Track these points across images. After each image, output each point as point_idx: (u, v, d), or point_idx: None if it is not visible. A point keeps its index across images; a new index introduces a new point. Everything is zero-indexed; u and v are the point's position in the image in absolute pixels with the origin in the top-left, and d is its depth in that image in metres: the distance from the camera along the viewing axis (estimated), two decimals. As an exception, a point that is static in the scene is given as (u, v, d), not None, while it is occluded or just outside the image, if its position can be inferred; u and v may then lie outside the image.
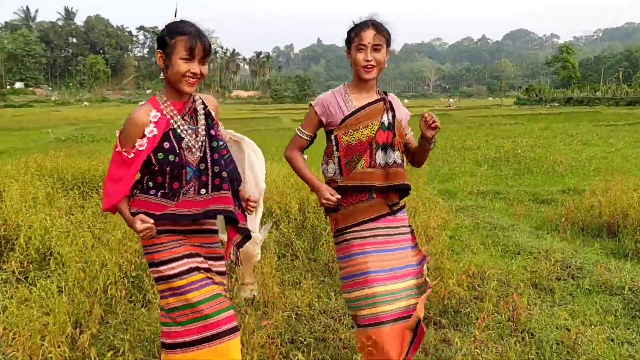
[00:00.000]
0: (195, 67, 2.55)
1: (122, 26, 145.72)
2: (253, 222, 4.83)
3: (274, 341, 3.52)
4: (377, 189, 2.95)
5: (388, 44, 3.00)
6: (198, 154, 2.62)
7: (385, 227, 3.00)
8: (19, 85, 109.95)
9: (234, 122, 38.60)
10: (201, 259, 2.69)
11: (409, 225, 3.14)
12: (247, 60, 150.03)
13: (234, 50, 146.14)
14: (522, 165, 13.02)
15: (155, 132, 2.54)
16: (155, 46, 2.66)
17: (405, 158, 3.08)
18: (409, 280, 2.99)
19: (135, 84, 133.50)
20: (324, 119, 3.03)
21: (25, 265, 4.89)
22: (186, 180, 2.60)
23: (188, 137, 2.60)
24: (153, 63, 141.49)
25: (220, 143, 2.68)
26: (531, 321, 3.98)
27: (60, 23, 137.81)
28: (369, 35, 2.91)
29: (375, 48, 2.92)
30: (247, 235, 2.83)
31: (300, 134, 3.09)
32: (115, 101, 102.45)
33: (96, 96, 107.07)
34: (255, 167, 5.21)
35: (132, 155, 2.52)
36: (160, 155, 2.55)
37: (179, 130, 2.59)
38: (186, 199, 2.60)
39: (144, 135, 2.53)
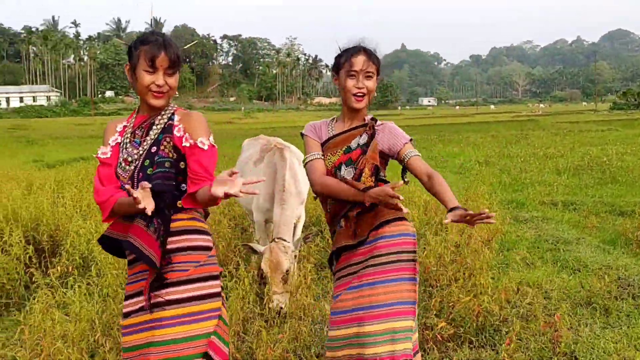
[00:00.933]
0: (159, 79, 2.41)
1: (207, 35, 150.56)
2: (289, 230, 4.80)
3: (288, 355, 3.45)
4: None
5: (378, 72, 2.86)
6: (129, 168, 2.46)
7: (371, 257, 2.71)
8: (109, 93, 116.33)
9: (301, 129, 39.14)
10: (135, 299, 2.44)
11: (410, 252, 2.76)
12: (330, 67, 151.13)
13: (316, 56, 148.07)
14: (607, 174, 12.30)
15: (115, 143, 2.53)
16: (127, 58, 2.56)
17: (365, 179, 2.75)
18: (390, 322, 2.61)
19: (219, 91, 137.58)
20: (317, 139, 2.91)
21: (70, 270, 5.07)
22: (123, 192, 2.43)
23: (126, 151, 2.49)
24: (237, 71, 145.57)
25: (156, 159, 2.42)
26: (577, 344, 3.72)
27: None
28: (360, 61, 2.77)
29: (367, 75, 2.78)
30: (155, 269, 2.35)
31: (312, 158, 2.85)
32: (200, 109, 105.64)
33: (182, 104, 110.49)
34: (298, 176, 5.19)
35: (105, 154, 2.52)
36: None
37: (122, 144, 2.51)
38: (121, 221, 2.48)
39: (109, 144, 2.53)
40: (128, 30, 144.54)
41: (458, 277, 4.58)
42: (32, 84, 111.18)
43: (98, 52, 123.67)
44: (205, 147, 2.39)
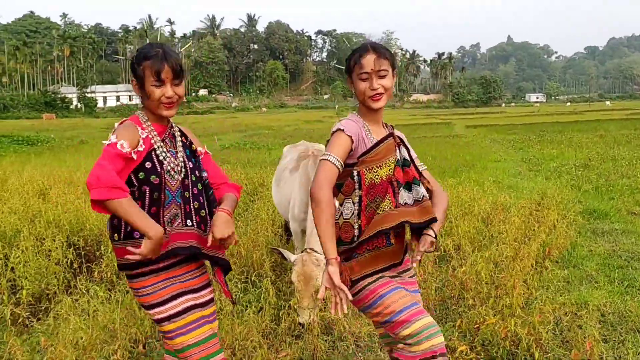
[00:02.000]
0: (168, 90, 2.58)
1: (301, 31, 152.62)
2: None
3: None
4: (412, 226, 2.79)
5: (393, 67, 2.81)
6: (177, 177, 2.65)
7: (394, 276, 2.87)
8: (202, 92, 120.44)
9: (402, 129, 38.85)
10: (195, 294, 2.76)
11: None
12: (428, 62, 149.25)
13: (414, 51, 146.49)
14: None
15: (142, 149, 2.57)
16: (132, 75, 2.71)
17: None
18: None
19: (313, 89, 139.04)
20: (354, 146, 2.73)
21: (109, 276, 5.30)
22: (164, 205, 2.60)
23: (169, 159, 2.64)
24: (331, 68, 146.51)
25: (202, 175, 2.79)
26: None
27: (242, 30, 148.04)
28: (370, 61, 2.72)
29: (381, 74, 2.73)
30: (228, 267, 2.89)
31: (332, 160, 2.65)
32: (293, 107, 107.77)
33: (275, 102, 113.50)
34: None
35: (130, 153, 2.51)
36: (142, 175, 2.56)
37: (159, 152, 2.63)
38: (176, 231, 2.62)
39: (137, 146, 2.56)
40: (222, 27, 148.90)
41: (490, 295, 4.42)
42: (129, 83, 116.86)
43: (192, 50, 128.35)
44: (210, 153, 2.95)
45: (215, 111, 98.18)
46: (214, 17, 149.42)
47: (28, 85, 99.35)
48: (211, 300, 2.85)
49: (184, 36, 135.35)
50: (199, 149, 2.85)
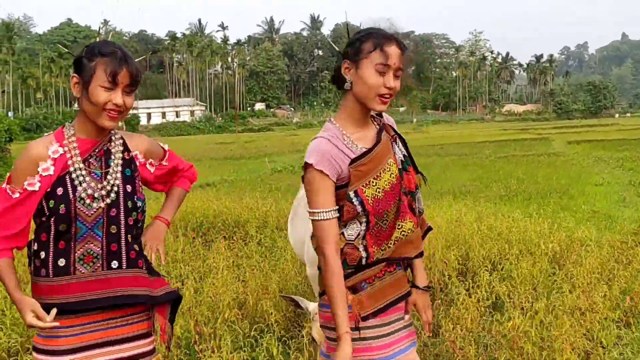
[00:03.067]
0: (118, 97, 2.48)
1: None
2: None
3: None
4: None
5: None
6: (97, 205, 2.50)
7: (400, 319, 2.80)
8: (259, 106, 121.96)
9: (489, 145, 38.33)
10: (113, 347, 2.58)
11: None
12: (524, 67, 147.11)
13: (507, 54, 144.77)
14: None
15: (51, 172, 2.48)
16: (72, 70, 2.62)
17: None
18: None
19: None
20: (334, 178, 2.59)
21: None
22: (75, 239, 2.48)
23: (85, 184, 2.51)
24: (408, 75, 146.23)
25: (139, 204, 2.62)
26: None
27: (305, 34, 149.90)
28: (396, 55, 2.57)
29: (397, 74, 2.59)
30: (177, 299, 2.79)
31: (327, 217, 2.56)
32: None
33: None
34: None
35: (17, 194, 2.46)
36: (52, 203, 2.47)
37: (75, 175, 2.51)
38: (93, 277, 2.50)
39: (37, 173, 2.47)
40: (282, 31, 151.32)
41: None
42: (175, 96, 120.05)
43: (248, 58, 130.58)
44: (167, 147, 2.91)
45: (274, 128, 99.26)
46: (272, 20, 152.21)
47: (64, 101, 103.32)
48: (146, 354, 2.66)
49: (238, 42, 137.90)
50: (150, 161, 2.78)
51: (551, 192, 15.67)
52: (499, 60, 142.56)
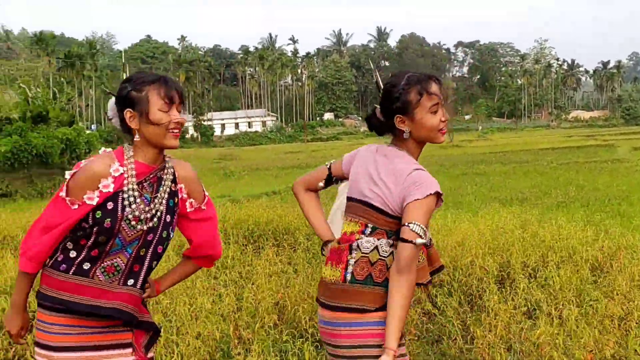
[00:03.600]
0: (176, 114, 2.56)
1: (438, 43, 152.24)
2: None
3: None
4: None
5: None
6: (140, 228, 2.58)
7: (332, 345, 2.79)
8: (328, 116, 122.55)
9: (551, 152, 37.52)
10: (99, 352, 2.62)
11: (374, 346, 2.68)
12: (591, 73, 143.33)
13: (573, 61, 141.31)
14: None
15: (110, 189, 2.54)
16: (115, 108, 2.66)
17: None
18: None
19: (453, 108, 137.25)
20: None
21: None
22: (108, 253, 2.56)
23: (135, 206, 2.56)
24: (473, 84, 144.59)
25: (171, 235, 2.69)
26: None
27: (372, 45, 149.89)
28: (438, 91, 2.65)
29: (444, 105, 2.70)
30: (156, 330, 2.78)
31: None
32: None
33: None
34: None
35: (76, 206, 2.52)
36: (99, 214, 2.53)
37: (127, 195, 2.56)
38: (105, 287, 2.56)
39: (98, 188, 2.52)
40: (349, 43, 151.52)
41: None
42: (248, 108, 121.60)
43: (317, 70, 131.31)
44: (205, 209, 2.80)
45: (342, 137, 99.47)
46: (340, 33, 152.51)
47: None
48: None
49: (308, 55, 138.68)
50: (191, 201, 2.75)
51: (610, 198, 15.25)
52: (565, 67, 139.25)
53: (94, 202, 2.50)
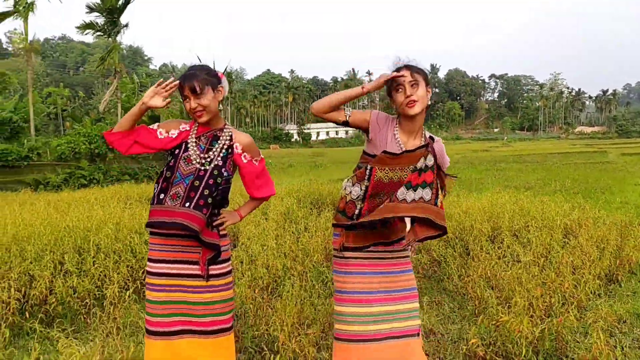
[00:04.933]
0: (193, 103, 2.63)
1: (476, 75, 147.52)
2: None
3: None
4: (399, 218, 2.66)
5: (427, 83, 2.62)
6: (193, 166, 2.64)
7: (384, 251, 2.70)
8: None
9: (557, 156, 35.81)
10: (179, 265, 2.69)
11: (405, 250, 2.74)
12: (593, 98, 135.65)
13: (579, 89, 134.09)
14: None
15: (175, 136, 2.72)
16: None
17: (439, 198, 2.64)
18: (405, 304, 2.67)
19: (485, 124, 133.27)
20: (370, 128, 2.67)
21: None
22: (172, 183, 2.64)
23: (191, 151, 2.68)
24: (501, 105, 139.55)
25: (224, 174, 2.67)
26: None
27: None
28: (404, 74, 2.58)
29: (413, 84, 2.56)
30: (217, 251, 2.70)
31: (345, 110, 2.73)
32: (467, 139, 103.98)
33: (451, 135, 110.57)
34: None
35: (163, 135, 2.72)
36: (169, 157, 2.72)
37: (189, 144, 2.71)
38: (170, 208, 2.61)
39: (179, 129, 2.74)
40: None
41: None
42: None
43: (383, 93, 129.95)
44: (257, 164, 2.80)
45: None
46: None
47: (262, 124, 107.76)
48: (191, 276, 2.69)
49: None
50: (245, 155, 2.76)
51: (596, 189, 14.41)
52: (573, 93, 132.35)
53: (175, 135, 2.72)
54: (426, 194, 2.55)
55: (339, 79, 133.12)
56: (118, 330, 3.82)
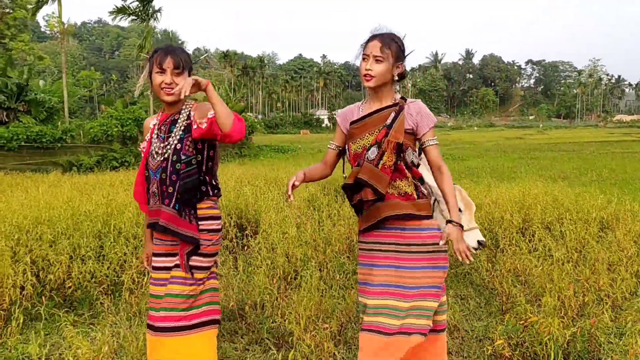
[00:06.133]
0: (167, 78, 2.46)
1: (512, 61, 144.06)
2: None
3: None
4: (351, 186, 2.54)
5: (397, 58, 2.51)
6: (158, 159, 2.53)
7: (394, 244, 2.53)
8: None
9: (594, 144, 34.71)
10: (169, 258, 2.62)
11: (432, 244, 2.50)
12: (633, 86, 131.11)
13: (619, 76, 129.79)
14: None
15: (148, 138, 2.65)
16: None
17: (387, 159, 2.46)
18: (416, 301, 2.48)
19: (520, 111, 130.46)
20: (344, 129, 2.68)
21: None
22: (149, 181, 2.59)
23: (155, 144, 2.58)
24: (537, 92, 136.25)
25: (182, 158, 2.47)
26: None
27: (460, 62, 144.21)
28: (371, 46, 2.51)
29: (377, 59, 2.48)
30: (196, 244, 2.54)
31: (329, 146, 2.75)
32: (501, 126, 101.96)
33: (484, 122, 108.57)
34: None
35: (143, 149, 2.66)
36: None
37: (153, 137, 2.60)
38: (154, 207, 2.58)
39: (146, 139, 2.66)
40: (443, 61, 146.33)
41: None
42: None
43: (418, 80, 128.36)
44: (211, 115, 2.40)
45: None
46: (437, 53, 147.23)
47: (293, 109, 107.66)
48: (174, 267, 2.57)
49: (412, 69, 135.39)
50: (195, 121, 2.46)
51: (635, 179, 13.87)
52: (613, 80, 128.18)
53: (145, 149, 2.64)
54: (372, 152, 2.48)
55: (419, 65, 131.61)
56: (134, 317, 3.76)
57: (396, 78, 2.55)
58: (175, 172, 2.48)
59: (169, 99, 2.51)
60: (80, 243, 4.63)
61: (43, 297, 3.94)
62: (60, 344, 3.46)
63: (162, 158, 2.51)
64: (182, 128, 2.53)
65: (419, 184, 2.57)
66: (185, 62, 2.51)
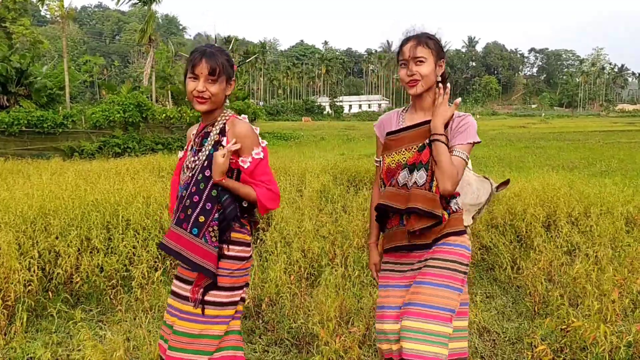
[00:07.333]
0: (201, 85, 2.14)
1: (515, 49, 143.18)
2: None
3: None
4: (396, 211, 2.23)
5: (438, 55, 2.25)
6: (188, 173, 2.24)
7: (412, 262, 2.27)
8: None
9: (599, 134, 34.43)
10: (180, 283, 2.31)
11: (463, 264, 2.22)
12: (637, 75, 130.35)
13: (622, 65, 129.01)
14: None
15: (187, 148, 2.38)
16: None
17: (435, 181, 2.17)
18: (419, 322, 2.12)
19: (522, 99, 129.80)
20: (382, 139, 2.39)
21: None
22: (178, 197, 2.28)
23: (188, 157, 2.28)
24: (540, 81, 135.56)
25: (206, 175, 2.17)
26: None
27: (463, 50, 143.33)
28: (407, 49, 2.24)
29: (418, 61, 2.20)
30: (213, 280, 2.17)
31: (375, 163, 2.46)
32: (503, 115, 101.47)
33: (487, 110, 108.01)
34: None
35: (180, 158, 2.41)
36: None
37: (189, 150, 2.32)
38: (173, 229, 2.25)
39: (185, 148, 2.39)
40: (446, 48, 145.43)
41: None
42: (369, 94, 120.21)
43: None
44: (261, 156, 2.20)
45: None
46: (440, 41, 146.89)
47: (295, 95, 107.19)
48: (187, 298, 2.23)
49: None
50: (246, 163, 2.19)
51: (645, 169, 13.68)
52: (616, 70, 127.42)
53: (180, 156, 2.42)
54: (420, 177, 2.17)
55: (374, 51, 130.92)
56: (144, 314, 3.55)
57: (439, 79, 2.26)
58: (198, 192, 2.17)
59: (200, 108, 2.20)
60: (88, 235, 4.42)
61: (50, 293, 3.73)
62: (67, 343, 3.26)
63: (191, 174, 2.23)
64: (213, 143, 2.22)
65: (450, 199, 2.26)
66: (223, 67, 2.17)
